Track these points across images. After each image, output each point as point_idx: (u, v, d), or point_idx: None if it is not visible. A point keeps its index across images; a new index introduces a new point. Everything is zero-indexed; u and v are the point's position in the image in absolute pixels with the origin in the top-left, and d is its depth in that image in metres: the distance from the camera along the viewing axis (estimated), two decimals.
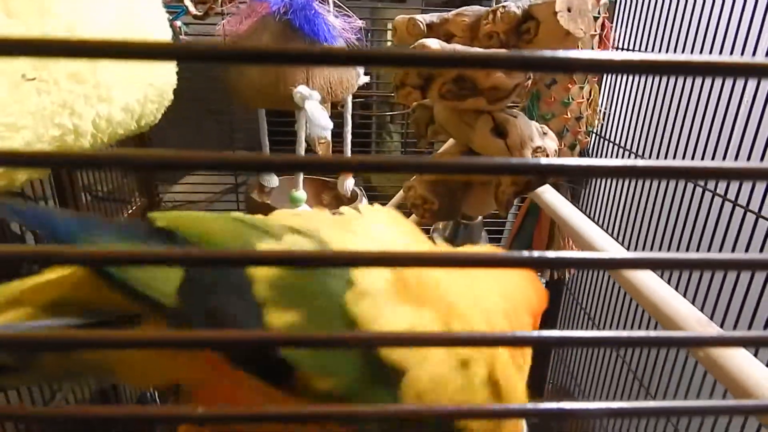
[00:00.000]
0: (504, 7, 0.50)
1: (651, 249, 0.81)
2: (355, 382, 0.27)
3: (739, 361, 0.35)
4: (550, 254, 0.14)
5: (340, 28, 0.70)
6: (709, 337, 0.17)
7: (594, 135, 0.96)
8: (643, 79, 0.87)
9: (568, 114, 0.85)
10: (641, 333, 0.17)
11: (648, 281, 0.51)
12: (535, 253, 0.14)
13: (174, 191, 1.15)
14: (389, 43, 1.19)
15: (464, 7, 0.54)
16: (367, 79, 0.80)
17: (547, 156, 0.52)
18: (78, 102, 0.40)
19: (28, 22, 0.35)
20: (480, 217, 0.66)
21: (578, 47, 0.81)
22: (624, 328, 0.94)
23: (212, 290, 0.28)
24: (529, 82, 0.54)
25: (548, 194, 0.73)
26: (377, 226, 0.35)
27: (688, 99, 0.77)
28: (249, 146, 1.15)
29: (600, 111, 0.90)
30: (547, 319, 1.27)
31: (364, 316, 0.27)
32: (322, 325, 0.28)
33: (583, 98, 0.85)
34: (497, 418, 0.17)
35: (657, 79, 0.84)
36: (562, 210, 0.68)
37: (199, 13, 0.87)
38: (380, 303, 0.28)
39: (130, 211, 0.96)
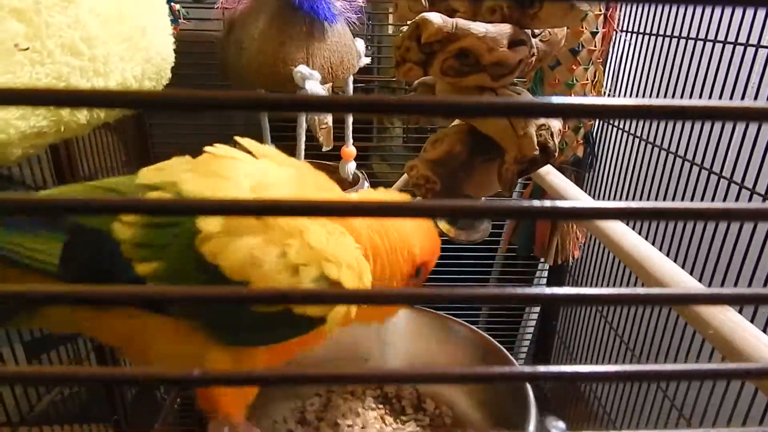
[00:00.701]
0: None
1: (656, 233, 0.80)
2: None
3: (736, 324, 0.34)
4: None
5: (341, 7, 0.69)
6: (704, 294, 0.16)
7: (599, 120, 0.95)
8: (648, 60, 0.86)
9: (573, 96, 0.84)
10: (631, 290, 0.16)
11: (655, 258, 0.51)
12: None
13: None
14: (390, 28, 1.18)
15: None
16: (368, 60, 0.79)
17: (551, 134, 0.51)
18: (74, 75, 0.39)
19: None
20: (483, 200, 0.65)
21: (582, 25, 0.80)
22: (628, 316, 0.94)
23: (91, 256, 0.37)
24: (533, 58, 0.53)
25: (553, 177, 0.72)
26: (256, 165, 0.43)
27: (693, 81, 0.76)
28: (248, 133, 1.14)
29: (605, 93, 0.89)
30: (550, 309, 1.27)
31: (211, 251, 0.37)
32: (181, 266, 0.37)
33: (587, 80, 0.84)
34: (494, 382, 0.17)
35: (662, 62, 0.83)
36: (567, 193, 0.67)
37: None
38: (222, 241, 0.37)
39: None
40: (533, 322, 1.34)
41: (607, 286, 1.01)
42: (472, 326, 0.68)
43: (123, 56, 0.45)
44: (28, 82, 0.35)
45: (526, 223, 0.98)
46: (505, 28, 0.48)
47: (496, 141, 0.53)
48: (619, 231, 0.56)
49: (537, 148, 0.50)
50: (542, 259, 1.09)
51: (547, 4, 0.47)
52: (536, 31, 0.55)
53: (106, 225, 0.37)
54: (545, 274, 1.29)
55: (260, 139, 0.96)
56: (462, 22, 0.48)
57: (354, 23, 0.72)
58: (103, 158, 0.82)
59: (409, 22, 0.50)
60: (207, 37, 0.92)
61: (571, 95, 0.84)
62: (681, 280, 0.48)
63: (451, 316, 0.70)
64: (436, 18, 0.47)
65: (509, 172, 0.52)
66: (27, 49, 0.35)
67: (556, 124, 0.55)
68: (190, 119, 1.04)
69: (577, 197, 0.65)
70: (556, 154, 0.52)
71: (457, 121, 0.60)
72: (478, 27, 0.48)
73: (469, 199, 0.64)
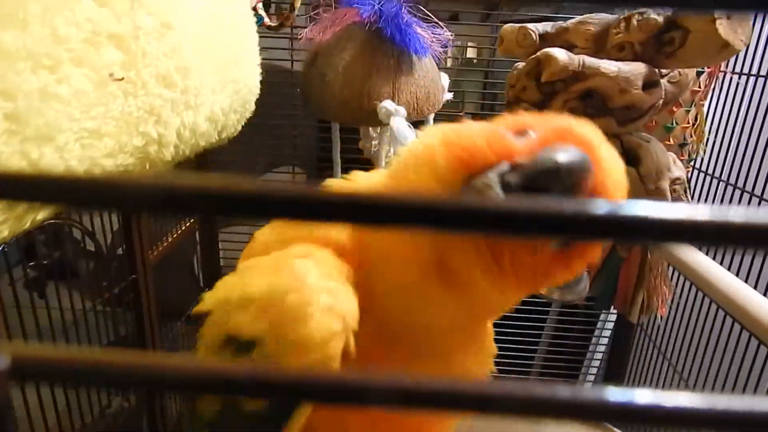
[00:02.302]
0: (641, 14, 0.43)
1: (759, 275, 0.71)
2: None
3: None
4: None
5: (429, 40, 0.65)
6: None
7: (692, 167, 0.87)
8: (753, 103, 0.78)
9: (671, 140, 0.76)
10: None
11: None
12: None
13: None
14: (449, 60, 1.13)
15: (588, 15, 0.47)
16: (450, 96, 0.74)
17: (685, 189, 0.45)
18: (165, 109, 0.35)
19: (118, 13, 0.31)
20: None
21: (718, 65, 0.73)
22: (700, 368, 0.84)
23: None
24: (660, 102, 0.47)
25: None
26: None
27: None
28: (304, 161, 1.11)
29: (706, 138, 0.81)
30: (615, 359, 1.17)
31: None
32: None
33: (688, 123, 0.77)
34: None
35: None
36: (679, 250, 0.59)
37: (273, 24, 0.83)
38: None
39: (189, 222, 0.93)
40: (594, 369, 1.24)
41: (682, 344, 0.92)
42: None
43: (214, 88, 0.41)
44: (120, 116, 0.31)
45: (608, 274, 0.89)
46: (640, 68, 0.42)
47: None
48: (714, 271, 0.48)
49: None
50: (615, 310, 1.00)
51: (693, 41, 0.41)
52: (663, 71, 0.49)
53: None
54: (610, 326, 1.19)
55: (311, 168, 0.92)
56: (590, 60, 0.42)
57: (441, 56, 0.67)
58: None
59: (518, 62, 0.45)
60: (277, 67, 0.90)
61: (669, 139, 0.77)
62: None
63: None
64: (561, 54, 0.41)
65: None
66: (122, 79, 0.31)
67: (683, 176, 0.48)
68: (245, 145, 1.01)
69: (692, 254, 0.57)
70: None
71: None
72: (609, 65, 0.42)
73: None
